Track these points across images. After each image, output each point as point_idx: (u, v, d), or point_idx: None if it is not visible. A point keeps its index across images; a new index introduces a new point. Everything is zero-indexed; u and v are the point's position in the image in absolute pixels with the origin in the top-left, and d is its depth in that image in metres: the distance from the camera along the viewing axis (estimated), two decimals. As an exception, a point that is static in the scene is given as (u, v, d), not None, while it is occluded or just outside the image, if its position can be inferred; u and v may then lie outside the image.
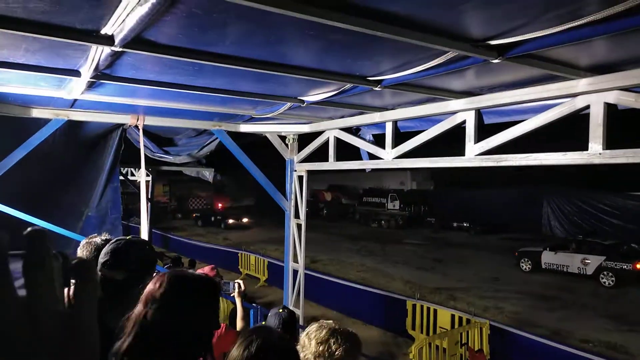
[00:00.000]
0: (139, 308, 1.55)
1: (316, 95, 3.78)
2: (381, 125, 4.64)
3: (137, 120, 5.05)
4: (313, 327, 2.35)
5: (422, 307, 9.99)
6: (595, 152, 2.83)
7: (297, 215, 6.29)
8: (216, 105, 4.52)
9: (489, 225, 26.57)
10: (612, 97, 2.76)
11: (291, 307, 6.09)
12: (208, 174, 8.53)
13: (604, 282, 15.10)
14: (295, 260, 6.30)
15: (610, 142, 2.86)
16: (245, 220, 30.45)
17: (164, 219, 32.69)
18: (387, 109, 4.32)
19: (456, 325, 9.23)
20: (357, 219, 33.24)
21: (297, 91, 3.80)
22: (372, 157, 4.87)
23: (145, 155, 5.42)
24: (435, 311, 9.81)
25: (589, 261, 15.55)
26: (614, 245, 16.12)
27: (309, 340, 2.27)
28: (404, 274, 16.76)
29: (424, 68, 2.69)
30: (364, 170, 5.21)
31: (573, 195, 24.90)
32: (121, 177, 10.25)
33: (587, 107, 2.88)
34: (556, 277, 16.30)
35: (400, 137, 4.44)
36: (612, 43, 2.32)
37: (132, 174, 12.32)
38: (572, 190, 25.15)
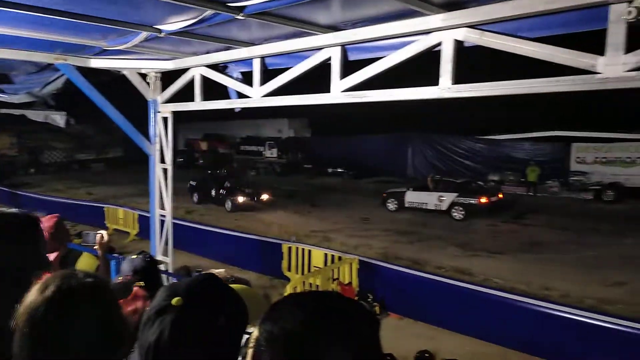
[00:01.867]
0: None
1: (175, 24, 3.45)
2: (249, 62, 4.45)
3: (-44, 49, 4.19)
4: None
5: (297, 249, 10.36)
6: (445, 87, 3.03)
7: (162, 160, 5.92)
8: (58, 33, 3.91)
9: (362, 170, 28.16)
10: (461, 35, 2.94)
11: (160, 257, 5.84)
12: (59, 118, 7.52)
13: (455, 216, 17.11)
14: (162, 207, 5.99)
15: (458, 79, 3.08)
16: (264, 197, 19.44)
17: (13, 174, 28.89)
18: (254, 44, 4.13)
19: (329, 263, 9.77)
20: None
21: (152, 18, 3.42)
22: (241, 96, 4.70)
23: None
24: (309, 252, 10.25)
25: (444, 198, 17.41)
26: (464, 183, 18.23)
27: None
28: (281, 219, 17.12)
29: (286, -7, 2.57)
30: (232, 110, 5.02)
31: (433, 140, 27.42)
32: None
33: (440, 43, 3.04)
34: (417, 214, 18.03)
35: (269, 75, 4.31)
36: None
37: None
38: (432, 136, 27.64)
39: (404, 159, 28.36)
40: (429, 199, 17.79)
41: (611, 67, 2.42)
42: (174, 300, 0.95)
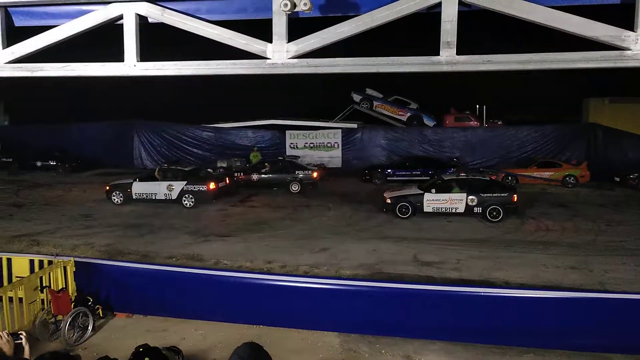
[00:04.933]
0: None
1: None
2: None
3: None
4: None
5: (-10, 259, 8.56)
6: (131, 64, 2.86)
7: None
8: None
9: (81, 162, 25.17)
10: (143, 9, 2.80)
11: None
12: None
13: (186, 204, 17.09)
14: None
15: (147, 56, 2.95)
16: None
17: None
18: None
19: (37, 271, 8.40)
20: None
21: None
22: None
23: None
24: (9, 260, 8.63)
25: (173, 187, 17.15)
26: (193, 170, 18.35)
27: None
28: (-30, 227, 13.91)
29: None
30: None
31: (160, 129, 26.58)
32: None
33: (121, 17, 2.83)
34: (147, 205, 17.25)
35: None
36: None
37: None
38: (159, 125, 26.79)
39: (130, 148, 26.58)
40: (158, 189, 17.26)
41: (278, 54, 2.70)
42: None
